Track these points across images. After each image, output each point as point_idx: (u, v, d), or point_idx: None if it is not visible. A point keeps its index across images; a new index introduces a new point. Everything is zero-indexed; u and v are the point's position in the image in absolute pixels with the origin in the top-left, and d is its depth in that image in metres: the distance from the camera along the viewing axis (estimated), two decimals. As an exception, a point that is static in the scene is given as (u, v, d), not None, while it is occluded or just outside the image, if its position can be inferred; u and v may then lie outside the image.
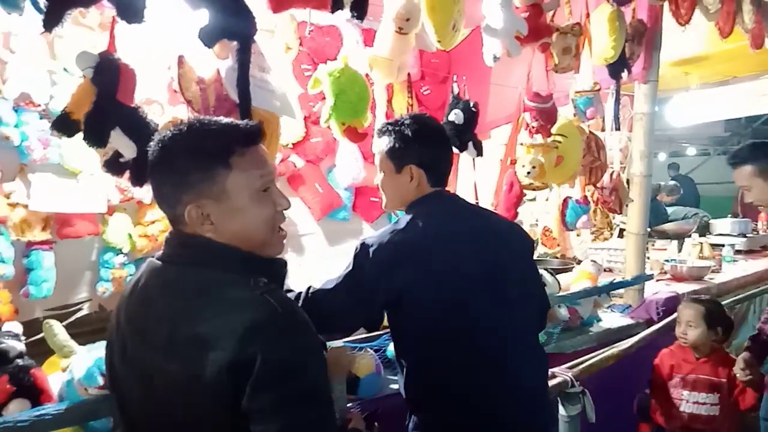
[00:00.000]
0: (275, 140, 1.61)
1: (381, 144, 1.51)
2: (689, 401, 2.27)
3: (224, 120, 1.03)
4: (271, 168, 1.06)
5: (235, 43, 1.44)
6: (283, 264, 1.09)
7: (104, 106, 1.24)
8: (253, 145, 1.02)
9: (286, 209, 1.09)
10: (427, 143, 1.49)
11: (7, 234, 2.24)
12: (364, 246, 1.41)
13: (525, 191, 2.56)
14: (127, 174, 1.47)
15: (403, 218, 1.47)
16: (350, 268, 1.43)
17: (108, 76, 1.25)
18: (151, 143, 1.01)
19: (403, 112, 2.19)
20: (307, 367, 0.91)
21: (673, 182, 6.05)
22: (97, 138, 1.26)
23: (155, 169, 1.00)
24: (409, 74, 2.10)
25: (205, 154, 0.97)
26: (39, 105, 2.25)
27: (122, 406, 1.02)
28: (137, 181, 1.43)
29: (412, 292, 1.37)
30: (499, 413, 1.41)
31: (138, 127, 1.35)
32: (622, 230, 3.74)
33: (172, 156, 0.98)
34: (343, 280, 1.42)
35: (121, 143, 1.36)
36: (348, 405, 1.80)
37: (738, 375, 2.12)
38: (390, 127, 1.50)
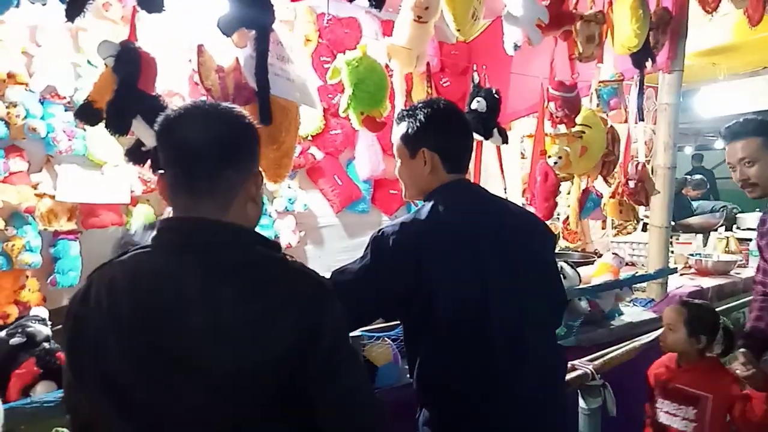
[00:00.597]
0: (294, 129, 1.62)
1: (398, 131, 1.49)
2: (663, 410, 2.08)
3: None
4: None
5: (253, 32, 1.45)
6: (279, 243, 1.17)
7: (126, 95, 1.26)
8: None
9: None
10: (440, 126, 1.46)
11: (34, 224, 2.30)
12: (382, 235, 1.38)
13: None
14: (148, 163, 1.50)
15: (423, 207, 1.43)
16: (368, 257, 1.39)
17: (129, 64, 1.27)
18: (186, 113, 0.98)
19: (422, 103, 2.17)
20: (347, 334, 1.04)
21: (699, 176, 5.92)
22: (118, 126, 1.28)
23: (206, 139, 0.96)
24: (428, 63, 2.08)
25: (255, 134, 1.02)
26: (64, 97, 2.31)
27: (119, 404, 0.91)
28: (158, 169, 1.45)
29: (431, 284, 1.35)
30: (509, 414, 1.38)
31: (158, 114, 1.37)
32: (645, 224, 3.67)
33: (231, 127, 0.99)
34: (362, 271, 1.38)
35: (143, 132, 1.38)
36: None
37: (738, 371, 1.87)
38: (405, 113, 1.49)
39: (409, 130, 1.45)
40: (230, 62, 1.51)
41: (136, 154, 1.46)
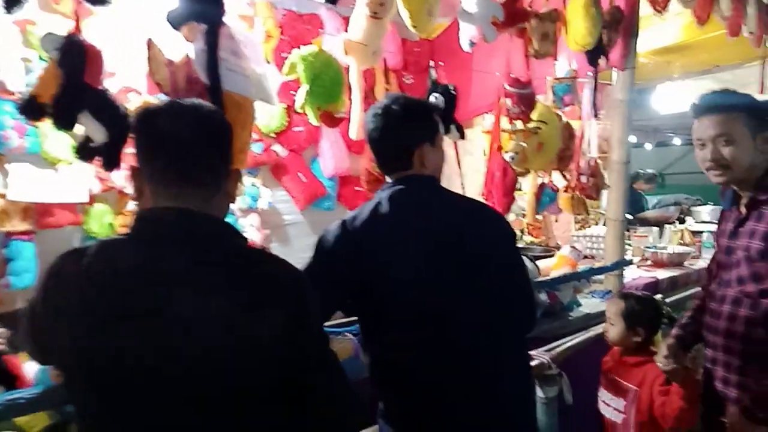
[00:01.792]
0: (249, 125, 1.61)
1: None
2: (601, 399, 2.10)
3: None
4: None
5: (203, 25, 1.44)
6: None
7: (71, 89, 1.24)
8: None
9: None
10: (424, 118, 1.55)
11: (-15, 224, 2.23)
12: (324, 234, 1.45)
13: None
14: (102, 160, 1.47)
15: (367, 204, 1.46)
16: (311, 258, 1.45)
17: (74, 57, 1.25)
18: (169, 108, 1.01)
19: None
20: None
21: (651, 171, 6.09)
22: (65, 121, 1.26)
23: (214, 144, 1.00)
24: (385, 59, 2.09)
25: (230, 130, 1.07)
26: (14, 93, 2.25)
27: (115, 395, 0.91)
28: (109, 165, 1.43)
29: (373, 280, 1.38)
30: (459, 410, 1.39)
31: (107, 110, 1.36)
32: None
33: (211, 123, 1.02)
34: (306, 272, 1.34)
35: (91, 126, 1.36)
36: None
37: (660, 364, 1.82)
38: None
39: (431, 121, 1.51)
40: (181, 56, 1.49)
41: (84, 150, 1.44)
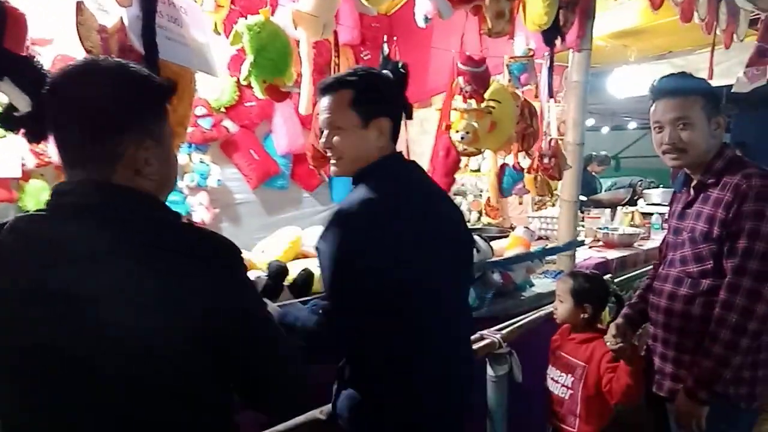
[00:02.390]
0: (188, 96, 1.54)
1: (341, 98, 1.38)
2: (550, 376, 2.14)
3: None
4: None
5: (138, -11, 1.35)
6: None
7: (-12, 53, 1.14)
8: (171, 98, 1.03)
9: None
10: (394, 93, 1.44)
11: None
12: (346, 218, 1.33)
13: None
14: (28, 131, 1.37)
15: (364, 187, 1.37)
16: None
17: (-10, 19, 1.14)
18: (73, 73, 0.91)
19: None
20: (259, 297, 1.05)
21: (604, 153, 6.23)
22: (-19, 87, 1.16)
23: (94, 101, 0.89)
24: (335, 32, 2.03)
25: (156, 93, 0.98)
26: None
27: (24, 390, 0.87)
28: (34, 137, 1.33)
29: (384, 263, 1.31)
30: (464, 396, 1.49)
31: (31, 77, 1.25)
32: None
33: (123, 88, 0.92)
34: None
35: (13, 94, 1.26)
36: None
37: (608, 342, 1.87)
38: (352, 78, 1.39)
39: (361, 97, 1.37)
40: (114, 22, 1.40)
41: (8, 120, 1.33)
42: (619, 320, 1.92)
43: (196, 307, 0.86)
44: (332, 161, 1.44)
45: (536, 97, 2.86)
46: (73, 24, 2.00)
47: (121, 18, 1.41)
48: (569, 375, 2.05)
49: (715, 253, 1.65)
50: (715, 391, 1.62)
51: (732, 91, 4.15)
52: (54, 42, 2.21)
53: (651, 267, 3.38)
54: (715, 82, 4.09)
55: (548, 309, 2.37)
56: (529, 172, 2.99)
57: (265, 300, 1.24)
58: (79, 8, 1.38)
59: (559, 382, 2.09)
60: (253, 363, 0.96)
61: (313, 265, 2.18)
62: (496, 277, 2.56)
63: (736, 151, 1.76)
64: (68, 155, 0.91)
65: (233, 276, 0.93)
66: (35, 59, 1.33)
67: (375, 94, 1.40)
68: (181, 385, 0.89)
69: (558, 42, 2.61)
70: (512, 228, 3.52)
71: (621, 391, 1.87)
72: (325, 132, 1.41)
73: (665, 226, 4.32)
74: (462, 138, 2.35)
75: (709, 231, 1.66)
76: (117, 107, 0.91)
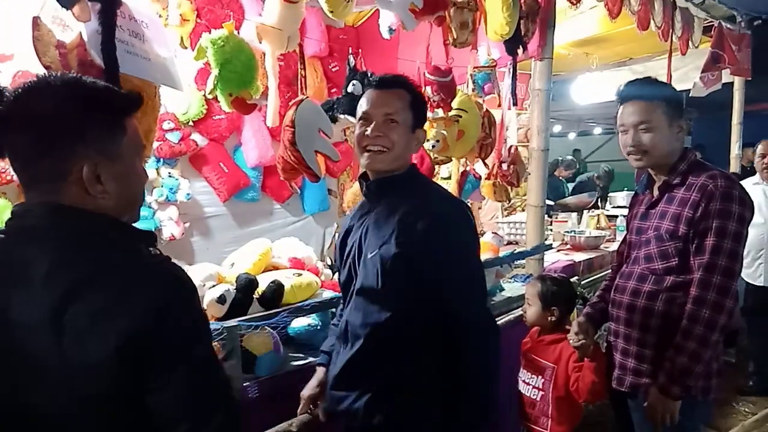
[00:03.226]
0: (151, 110, 1.53)
1: (401, 95, 1.47)
2: (521, 378, 2.16)
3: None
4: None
5: (98, 4, 1.34)
6: (155, 234, 1.08)
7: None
8: (135, 112, 1.00)
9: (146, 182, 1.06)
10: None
11: None
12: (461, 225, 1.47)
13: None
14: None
15: (440, 191, 1.55)
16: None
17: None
18: (23, 90, 0.88)
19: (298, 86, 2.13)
20: (201, 338, 0.94)
21: (570, 157, 6.38)
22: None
23: (40, 118, 0.87)
24: (301, 45, 2.04)
25: (109, 109, 0.94)
26: None
27: None
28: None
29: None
30: None
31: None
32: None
33: (70, 104, 0.89)
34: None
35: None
36: (245, 384, 1.77)
37: (570, 340, 1.91)
38: (408, 83, 1.51)
39: (416, 103, 1.50)
40: (73, 37, 1.39)
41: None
42: (581, 319, 1.96)
43: (124, 340, 0.82)
44: (376, 149, 1.45)
45: (499, 105, 2.92)
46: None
47: (80, 33, 1.40)
48: (539, 376, 2.09)
49: (680, 250, 1.70)
50: (688, 386, 1.66)
51: (690, 95, 4.29)
52: (14, 58, 2.17)
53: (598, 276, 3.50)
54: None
55: (518, 312, 2.41)
56: (488, 178, 3.05)
57: None
58: (36, 23, 1.37)
59: (530, 384, 2.12)
60: (167, 411, 0.88)
61: (283, 277, 2.19)
62: (467, 282, 2.59)
63: (697, 154, 1.83)
64: (21, 175, 0.90)
65: (174, 312, 0.87)
66: (-8, 76, 1.31)
67: (424, 106, 1.55)
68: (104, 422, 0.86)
69: (520, 51, 2.67)
70: (481, 234, 3.57)
71: (587, 388, 1.91)
72: (378, 122, 1.45)
73: (629, 227, 4.46)
74: (433, 146, 2.39)
75: (675, 229, 1.71)
76: (62, 124, 0.88)
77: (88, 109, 0.91)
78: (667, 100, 1.75)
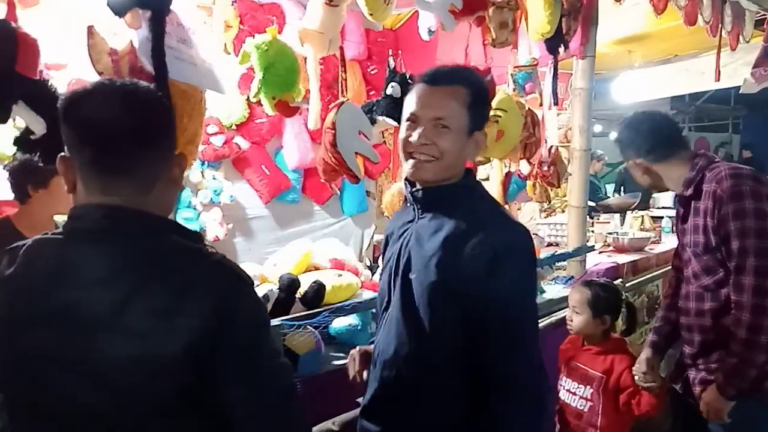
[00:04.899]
0: (198, 115, 1.57)
1: (456, 92, 1.23)
2: (564, 387, 2.08)
3: None
4: None
5: (148, 12, 1.39)
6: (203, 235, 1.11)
7: (2, 78, 1.18)
8: None
9: None
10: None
11: (-74, 223, 2.13)
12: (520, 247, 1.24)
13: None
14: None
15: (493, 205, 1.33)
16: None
17: (5, 46, 1.19)
18: (101, 90, 0.89)
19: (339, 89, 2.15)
20: (267, 332, 0.95)
21: (600, 151, 6.21)
22: (-5, 112, 1.20)
23: (143, 122, 0.90)
24: (342, 48, 2.06)
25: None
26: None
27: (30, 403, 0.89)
28: (48, 158, 1.37)
29: None
30: None
31: (45, 100, 1.30)
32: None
33: (162, 111, 0.96)
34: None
35: (28, 118, 1.31)
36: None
37: (636, 378, 1.88)
38: (468, 75, 1.27)
39: (477, 101, 1.24)
40: (125, 44, 1.44)
41: (25, 143, 1.38)
42: (648, 353, 1.92)
43: (184, 344, 0.83)
44: (422, 158, 1.24)
45: (540, 105, 2.88)
46: (83, 49, 2.07)
47: (131, 41, 1.45)
48: (587, 386, 2.01)
49: (721, 261, 1.67)
50: (742, 388, 1.63)
51: (740, 92, 4.13)
52: (68, 66, 2.27)
53: (662, 271, 3.42)
54: (722, 84, 4.09)
55: (560, 315, 2.36)
56: (528, 179, 3.01)
57: None
58: (90, 32, 1.42)
59: (576, 394, 2.04)
60: (240, 397, 0.89)
61: (324, 277, 2.21)
62: (507, 284, 2.56)
63: (705, 155, 1.79)
64: (87, 175, 0.89)
65: (241, 309, 0.89)
66: (49, 82, 1.38)
67: (486, 104, 1.29)
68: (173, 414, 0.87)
69: (561, 50, 2.63)
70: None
71: (638, 414, 1.89)
72: (427, 127, 1.23)
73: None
74: (470, 147, 2.37)
75: (706, 242, 1.69)
76: (161, 129, 0.94)
77: (169, 113, 0.98)
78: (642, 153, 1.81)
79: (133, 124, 0.89)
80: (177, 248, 0.91)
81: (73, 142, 0.89)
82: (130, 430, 0.86)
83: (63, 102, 0.89)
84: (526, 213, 4.44)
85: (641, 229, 4.06)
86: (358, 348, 1.53)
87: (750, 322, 1.57)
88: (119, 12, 1.34)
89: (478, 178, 1.41)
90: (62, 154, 0.91)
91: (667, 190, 1.89)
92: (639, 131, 1.84)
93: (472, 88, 1.25)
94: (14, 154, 1.92)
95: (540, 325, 2.38)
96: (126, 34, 1.50)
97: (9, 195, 2.32)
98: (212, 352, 0.85)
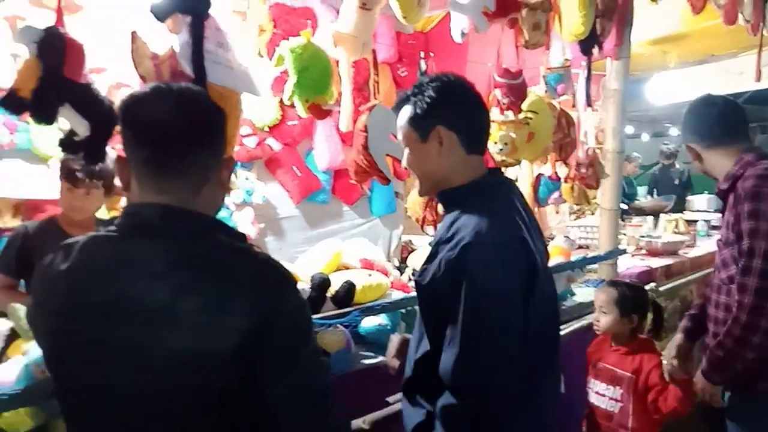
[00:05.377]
0: (235, 118, 1.60)
1: (402, 116, 1.30)
2: (593, 390, 2.05)
3: None
4: None
5: (188, 17, 1.43)
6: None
7: (50, 82, 1.23)
8: None
9: None
10: (455, 99, 1.26)
11: (-24, 220, 2.23)
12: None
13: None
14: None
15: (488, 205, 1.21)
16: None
17: (54, 51, 1.24)
18: (164, 93, 0.94)
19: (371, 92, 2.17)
20: (310, 330, 0.99)
21: (635, 153, 6.09)
22: (44, 115, 1.25)
23: (205, 126, 0.96)
24: (374, 51, 2.08)
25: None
26: (3, 89, 2.23)
27: (96, 394, 0.91)
28: (92, 159, 1.43)
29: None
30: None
31: (89, 103, 1.35)
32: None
33: (214, 119, 0.99)
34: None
35: (73, 120, 1.36)
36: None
37: (664, 364, 1.86)
38: (407, 93, 1.29)
39: (418, 110, 1.25)
40: (166, 49, 1.49)
41: (69, 144, 1.43)
42: (679, 338, 1.91)
43: (246, 328, 0.86)
44: (416, 179, 1.35)
45: (573, 106, 2.85)
46: (123, 53, 2.14)
47: (172, 45, 1.50)
48: (617, 387, 1.99)
49: (734, 257, 1.67)
50: (728, 378, 1.69)
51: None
52: (107, 70, 2.35)
53: (697, 275, 3.36)
54: (762, 84, 3.98)
55: (589, 318, 2.33)
56: (566, 181, 2.97)
57: None
58: (133, 37, 1.47)
59: (605, 395, 2.02)
60: (280, 397, 0.92)
61: (354, 277, 2.23)
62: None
63: (759, 151, 1.77)
64: (144, 176, 0.93)
65: (286, 307, 0.92)
66: (93, 86, 1.43)
67: (423, 109, 1.25)
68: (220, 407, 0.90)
69: (595, 51, 2.60)
70: (551, 238, 3.49)
71: (666, 413, 1.86)
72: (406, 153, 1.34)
73: (711, 233, 4.22)
74: (500, 149, 2.37)
75: (726, 236, 1.71)
76: (220, 131, 0.99)
77: (220, 116, 1.01)
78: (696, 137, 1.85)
79: (187, 126, 0.93)
80: (226, 247, 0.93)
81: (130, 142, 0.93)
82: (174, 421, 0.89)
83: (122, 104, 0.94)
84: (556, 215, 4.39)
85: (675, 233, 3.98)
86: (398, 335, 1.57)
87: (746, 322, 1.58)
88: (161, 17, 1.38)
89: (506, 177, 1.39)
90: (119, 154, 0.96)
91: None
92: (698, 114, 1.85)
93: (407, 102, 1.28)
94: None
95: (570, 329, 2.37)
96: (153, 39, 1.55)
97: (52, 194, 2.43)
98: (257, 350, 0.87)
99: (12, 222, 2.34)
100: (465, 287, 1.12)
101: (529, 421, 1.21)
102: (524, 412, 1.19)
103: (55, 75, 1.24)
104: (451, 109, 1.26)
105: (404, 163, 1.34)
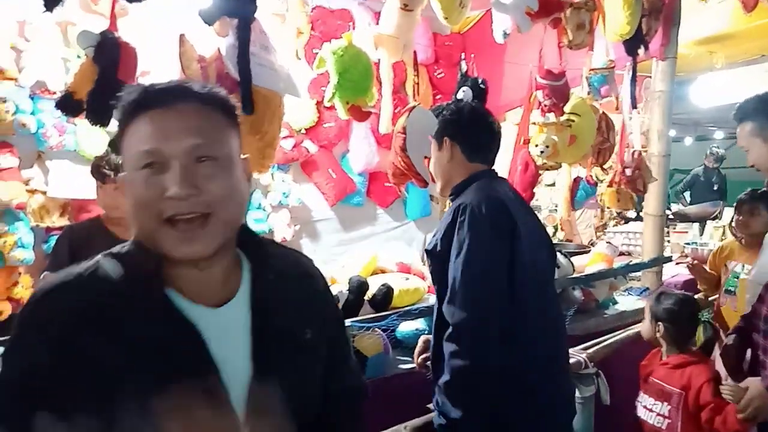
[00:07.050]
0: (277, 119, 1.61)
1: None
2: (642, 404, 2.01)
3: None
4: (174, 142, 0.76)
5: (235, 20, 1.44)
6: None
7: (105, 85, 1.26)
8: (155, 109, 0.77)
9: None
10: (463, 119, 1.62)
11: (26, 220, 2.30)
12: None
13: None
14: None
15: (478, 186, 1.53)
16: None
17: (109, 54, 1.27)
18: None
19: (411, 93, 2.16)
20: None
21: (717, 149, 5.94)
22: (99, 116, 1.28)
23: None
24: (415, 52, 2.07)
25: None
26: (54, 92, 2.30)
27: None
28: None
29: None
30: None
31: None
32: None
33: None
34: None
35: (124, 122, 1.38)
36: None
37: (721, 388, 1.77)
38: (436, 110, 1.68)
39: (438, 124, 1.65)
40: (212, 52, 1.50)
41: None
42: (730, 339, 1.84)
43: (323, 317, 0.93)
44: None
45: (617, 109, 2.78)
46: (167, 56, 2.18)
47: (218, 48, 1.51)
48: (665, 403, 1.92)
49: None
50: None
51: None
52: (151, 73, 2.40)
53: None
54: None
55: (636, 329, 2.26)
56: (610, 185, 2.89)
57: None
58: (182, 40, 1.50)
59: (654, 411, 1.95)
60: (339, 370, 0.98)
61: (391, 281, 2.22)
62: (577, 293, 2.48)
63: None
64: None
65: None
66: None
67: (445, 121, 1.63)
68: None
69: (641, 51, 2.53)
70: (592, 244, 3.41)
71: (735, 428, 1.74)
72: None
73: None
74: (542, 152, 2.32)
75: None
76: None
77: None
78: (758, 120, 1.80)
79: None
80: (273, 243, 1.01)
81: None
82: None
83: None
84: (583, 220, 4.28)
85: (722, 240, 3.83)
86: (425, 336, 1.76)
87: None
88: (209, 20, 1.39)
89: (545, 185, 1.56)
90: None
91: None
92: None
93: (438, 117, 1.65)
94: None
95: (613, 338, 2.30)
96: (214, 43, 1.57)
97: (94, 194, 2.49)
98: (334, 336, 0.97)
99: (60, 221, 2.40)
100: (457, 237, 1.42)
101: (521, 401, 1.42)
102: (515, 392, 1.41)
103: (109, 78, 1.27)
104: (458, 126, 1.61)
105: (429, 166, 1.67)
